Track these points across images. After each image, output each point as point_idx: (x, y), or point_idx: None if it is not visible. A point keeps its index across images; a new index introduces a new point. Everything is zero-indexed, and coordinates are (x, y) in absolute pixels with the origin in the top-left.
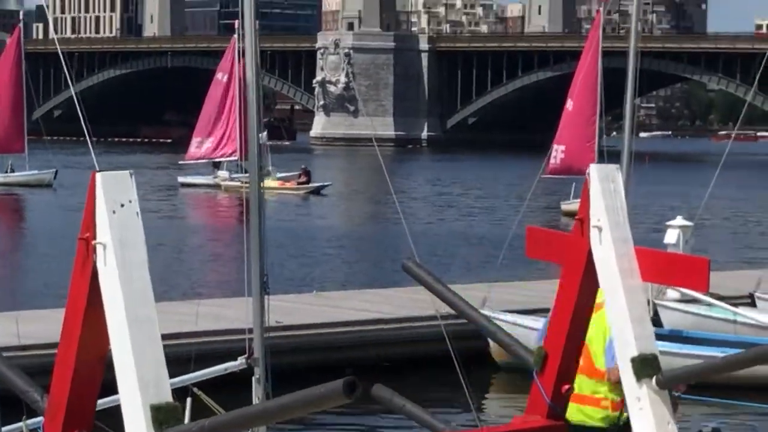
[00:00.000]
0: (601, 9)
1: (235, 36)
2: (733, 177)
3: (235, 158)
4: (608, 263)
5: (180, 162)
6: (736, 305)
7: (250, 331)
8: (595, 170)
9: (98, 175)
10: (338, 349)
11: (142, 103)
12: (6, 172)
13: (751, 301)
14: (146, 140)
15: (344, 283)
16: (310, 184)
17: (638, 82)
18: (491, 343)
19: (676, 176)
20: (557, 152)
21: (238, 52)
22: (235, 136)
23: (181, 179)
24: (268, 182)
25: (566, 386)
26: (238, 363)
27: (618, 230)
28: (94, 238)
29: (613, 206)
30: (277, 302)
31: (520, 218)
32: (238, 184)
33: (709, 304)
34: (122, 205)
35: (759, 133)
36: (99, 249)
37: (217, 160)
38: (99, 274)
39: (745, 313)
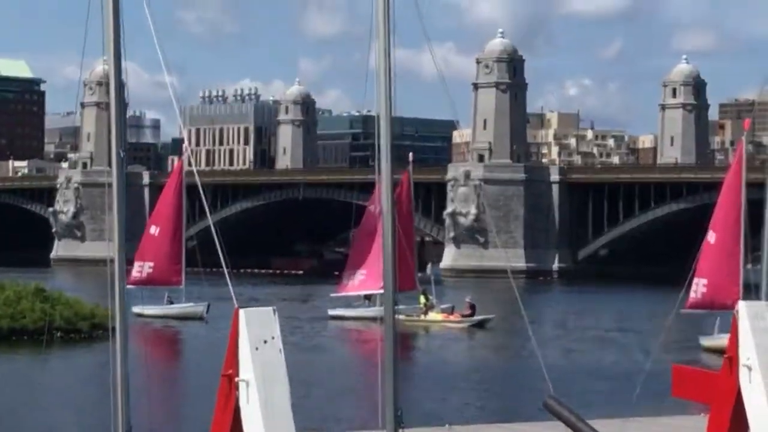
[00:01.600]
0: (744, 138)
1: (410, 168)
2: None
3: (380, 291)
4: (759, 403)
5: (332, 294)
6: None
7: None
8: (744, 307)
9: (241, 312)
10: None
11: (273, 235)
12: (166, 303)
13: None
14: (277, 272)
15: (478, 417)
16: (474, 317)
17: None
18: None
19: None
20: (698, 286)
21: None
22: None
23: (331, 312)
24: (433, 315)
25: None
26: None
27: None
28: (237, 375)
29: (764, 345)
30: None
31: (656, 353)
32: (403, 317)
33: None
34: (265, 342)
35: None
36: (242, 386)
37: (368, 293)
38: (241, 412)
39: None
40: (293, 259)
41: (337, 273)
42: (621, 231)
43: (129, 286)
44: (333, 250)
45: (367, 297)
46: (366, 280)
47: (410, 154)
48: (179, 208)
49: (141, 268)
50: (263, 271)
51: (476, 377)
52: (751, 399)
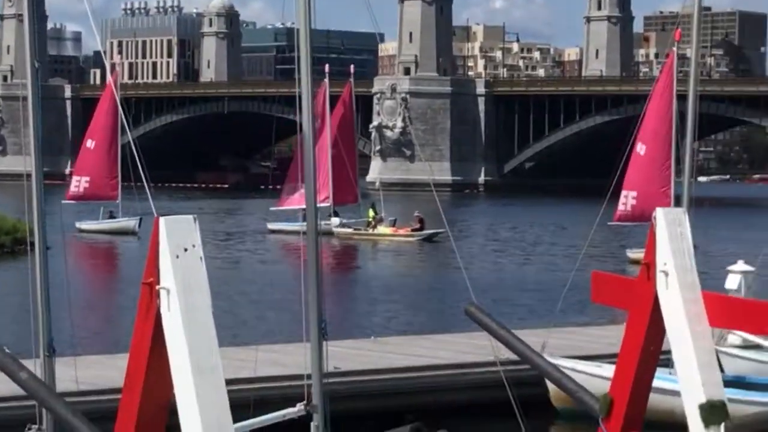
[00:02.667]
0: (675, 49)
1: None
2: None
3: (327, 204)
4: (675, 308)
5: (272, 209)
6: None
7: (309, 377)
8: (661, 214)
9: (161, 220)
10: (396, 395)
11: (198, 149)
12: (107, 218)
13: None
14: (203, 186)
15: (403, 329)
16: (424, 231)
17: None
18: (550, 388)
19: (736, 221)
20: (628, 198)
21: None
22: (328, 182)
23: (270, 226)
24: (382, 229)
25: None
26: (297, 410)
27: (685, 275)
28: (158, 282)
29: (681, 250)
30: (335, 348)
31: (579, 264)
32: (351, 230)
33: None
34: (186, 250)
35: None
36: (163, 294)
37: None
38: (163, 320)
39: None
40: (219, 173)
41: (262, 186)
42: (546, 144)
43: (67, 201)
44: (258, 164)
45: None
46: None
47: (351, 66)
48: (114, 122)
49: (78, 183)
50: (188, 185)
51: (407, 290)
52: (667, 304)
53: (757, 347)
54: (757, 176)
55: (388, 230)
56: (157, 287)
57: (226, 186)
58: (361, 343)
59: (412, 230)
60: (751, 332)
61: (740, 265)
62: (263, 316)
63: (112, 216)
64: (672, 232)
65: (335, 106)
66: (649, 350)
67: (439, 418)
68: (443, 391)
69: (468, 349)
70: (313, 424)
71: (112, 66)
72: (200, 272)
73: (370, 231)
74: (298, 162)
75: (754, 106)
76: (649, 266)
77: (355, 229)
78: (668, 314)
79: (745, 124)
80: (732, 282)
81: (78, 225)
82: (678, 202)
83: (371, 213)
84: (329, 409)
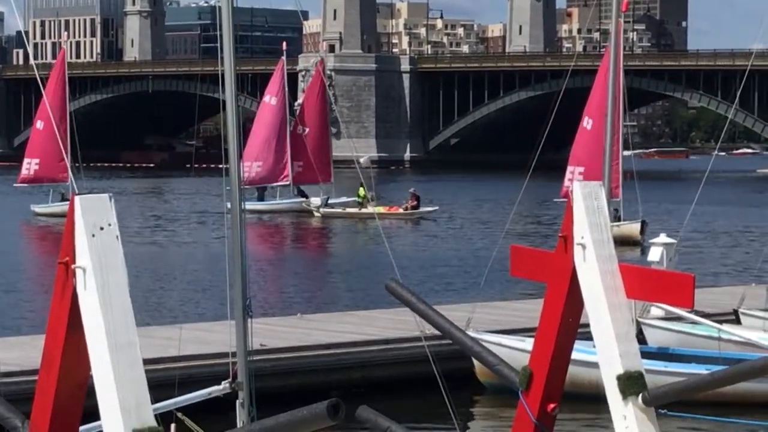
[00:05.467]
0: (621, 20)
1: (283, 58)
2: (711, 193)
3: (287, 183)
4: (592, 281)
5: (228, 188)
6: (720, 322)
7: (234, 354)
8: (578, 187)
9: (77, 199)
10: (322, 371)
11: (122, 128)
12: (58, 200)
13: (735, 318)
14: (128, 165)
15: (328, 306)
16: (421, 209)
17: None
18: (476, 363)
19: (659, 194)
20: (574, 174)
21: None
22: (288, 160)
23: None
24: (375, 208)
25: (552, 405)
26: (222, 387)
27: (602, 247)
28: (74, 261)
29: (597, 223)
30: (260, 326)
31: (502, 239)
32: (339, 210)
33: (694, 322)
34: (101, 229)
35: (739, 150)
36: (79, 273)
37: (271, 185)
38: (79, 299)
39: (730, 330)
40: (144, 152)
41: (188, 165)
42: (471, 119)
43: (19, 185)
44: (184, 143)
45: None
46: (263, 172)
47: (283, 43)
48: (63, 102)
49: (29, 166)
50: (113, 164)
51: (336, 268)
52: (585, 277)
53: (679, 319)
54: (651, 151)
55: (382, 209)
56: (72, 266)
57: (152, 165)
58: (287, 320)
59: (411, 208)
60: (665, 303)
61: (662, 238)
62: (189, 296)
63: (63, 198)
64: (589, 205)
65: (266, 83)
66: (567, 323)
67: (366, 394)
68: (369, 367)
69: (394, 325)
70: (238, 402)
71: (59, 44)
72: (117, 251)
73: (362, 210)
74: (253, 141)
75: (677, 81)
76: (566, 239)
77: (343, 209)
78: (585, 287)
79: (668, 98)
80: (654, 254)
81: (33, 208)
82: (625, 178)
83: (361, 192)
84: (255, 386)
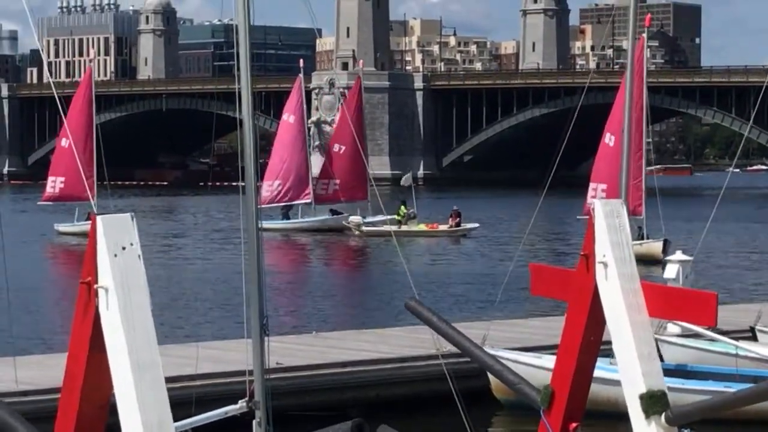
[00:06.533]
0: (645, 36)
1: (300, 75)
2: (726, 210)
3: (308, 201)
4: (614, 299)
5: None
6: (737, 339)
7: (251, 373)
8: (599, 205)
9: (99, 219)
10: (337, 390)
11: (136, 146)
12: (83, 219)
13: (752, 335)
14: (142, 183)
15: (343, 324)
16: (463, 227)
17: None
18: (492, 380)
19: (669, 211)
20: (597, 191)
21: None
22: (309, 179)
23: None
24: (417, 225)
25: (574, 425)
26: (239, 407)
27: (624, 266)
28: (96, 282)
29: (619, 242)
30: (275, 344)
31: (540, 258)
32: (383, 228)
33: (711, 339)
34: (124, 248)
35: (754, 167)
36: (101, 293)
37: (292, 203)
38: (101, 319)
39: (747, 347)
40: (157, 170)
41: (202, 184)
42: (484, 137)
43: (43, 203)
44: (197, 161)
45: (286, 209)
46: (284, 191)
47: (300, 60)
48: (87, 120)
49: (54, 184)
50: (127, 183)
51: (351, 286)
52: (607, 295)
53: (696, 336)
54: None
55: (424, 226)
56: (95, 286)
57: (165, 183)
58: (302, 338)
59: (455, 226)
60: (688, 322)
61: (678, 255)
62: (207, 314)
63: (89, 218)
64: (610, 223)
65: (283, 102)
66: (589, 341)
67: (382, 412)
68: (385, 385)
69: (410, 343)
70: (255, 421)
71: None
72: (139, 270)
73: (403, 228)
74: (274, 160)
75: (690, 97)
76: (588, 257)
77: (385, 225)
78: (608, 305)
79: (681, 114)
80: (670, 272)
81: (56, 227)
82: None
83: (402, 210)
84: (271, 405)
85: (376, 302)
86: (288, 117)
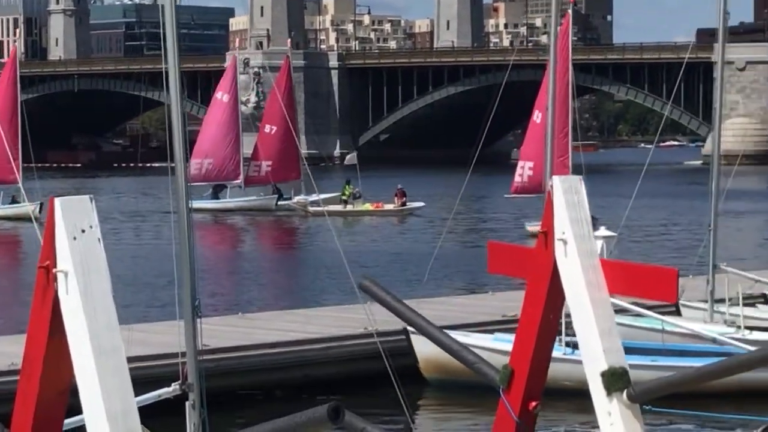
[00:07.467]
0: (570, 12)
1: (236, 54)
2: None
3: (239, 181)
4: (574, 276)
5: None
6: (662, 314)
7: (183, 355)
8: (558, 182)
9: (57, 201)
10: (264, 371)
11: (48, 128)
12: (11, 202)
13: (676, 310)
14: (55, 165)
15: (271, 305)
16: (408, 206)
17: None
18: (420, 359)
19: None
20: (524, 169)
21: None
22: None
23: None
24: (362, 205)
25: (534, 403)
26: (172, 389)
27: (583, 242)
28: (55, 265)
29: (578, 218)
30: (203, 326)
31: (471, 238)
32: (338, 208)
33: (637, 314)
34: (83, 231)
35: (667, 143)
36: (60, 277)
37: (224, 183)
38: (61, 303)
39: (674, 322)
40: (70, 152)
41: (115, 165)
42: (400, 115)
43: None
44: (111, 142)
45: (217, 188)
46: (214, 170)
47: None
48: (12, 102)
49: None
50: (39, 165)
51: (280, 268)
52: (566, 273)
53: (623, 311)
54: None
55: (370, 206)
56: (54, 270)
57: (78, 165)
58: (229, 319)
59: (401, 205)
60: (648, 298)
61: (602, 231)
62: (135, 297)
63: (14, 201)
64: (569, 200)
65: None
66: (548, 319)
67: (311, 393)
68: (314, 365)
69: (337, 323)
70: (188, 403)
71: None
72: (99, 254)
73: (348, 208)
74: (205, 137)
75: (604, 74)
76: (547, 235)
77: (346, 206)
78: (567, 283)
79: (595, 92)
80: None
81: None
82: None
83: (347, 189)
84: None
85: (306, 283)
86: (221, 96)
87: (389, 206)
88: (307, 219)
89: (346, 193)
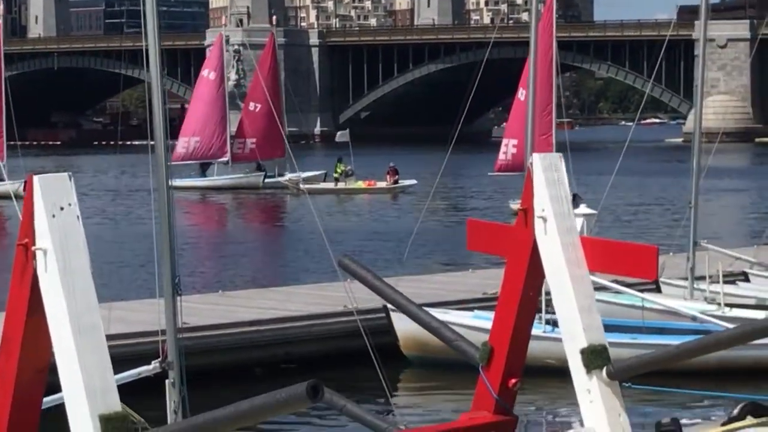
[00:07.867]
0: None
1: (222, 32)
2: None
3: (226, 159)
4: (554, 254)
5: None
6: (641, 291)
7: (163, 333)
8: (538, 159)
9: (36, 178)
10: (245, 349)
11: (28, 106)
12: None
13: (655, 287)
14: (35, 143)
15: (251, 283)
16: (399, 184)
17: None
18: (400, 337)
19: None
20: (508, 147)
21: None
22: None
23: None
24: (354, 183)
25: (513, 381)
26: (152, 367)
27: (563, 220)
28: (34, 243)
29: (558, 196)
30: (183, 303)
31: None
32: (330, 186)
33: (617, 291)
34: (62, 209)
35: (648, 121)
36: (39, 255)
37: (211, 161)
38: (40, 281)
39: (654, 299)
40: (50, 130)
41: (95, 142)
42: (381, 93)
43: None
44: (91, 120)
45: (203, 166)
46: (201, 148)
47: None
48: None
49: None
50: (19, 143)
51: (262, 246)
52: (546, 250)
53: (602, 288)
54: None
55: (362, 184)
56: (32, 248)
57: (59, 143)
58: (209, 297)
59: (393, 183)
60: (628, 275)
61: (582, 209)
62: (115, 274)
63: None
64: (549, 177)
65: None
66: (528, 296)
67: (291, 370)
68: (294, 343)
69: (317, 300)
70: (168, 381)
71: None
72: (78, 231)
73: (339, 186)
74: (192, 115)
75: (585, 51)
76: (526, 212)
77: (337, 182)
78: (547, 260)
79: (576, 69)
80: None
81: None
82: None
83: (340, 168)
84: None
85: (286, 261)
86: (208, 73)
87: (381, 184)
88: (298, 197)
89: (339, 171)
